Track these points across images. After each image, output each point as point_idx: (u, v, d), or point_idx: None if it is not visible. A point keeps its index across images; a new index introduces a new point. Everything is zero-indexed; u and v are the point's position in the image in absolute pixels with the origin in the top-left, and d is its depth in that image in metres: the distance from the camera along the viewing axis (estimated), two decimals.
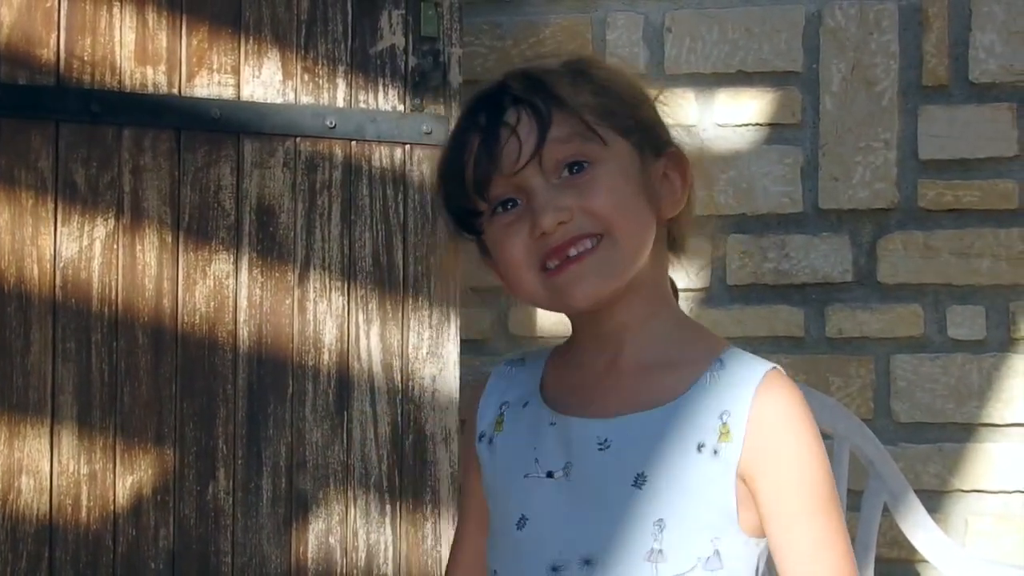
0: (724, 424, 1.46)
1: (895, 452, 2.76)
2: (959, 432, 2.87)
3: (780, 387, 1.47)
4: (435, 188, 1.60)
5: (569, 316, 1.54)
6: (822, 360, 2.91)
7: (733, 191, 2.95)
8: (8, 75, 2.42)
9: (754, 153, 2.95)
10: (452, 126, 1.58)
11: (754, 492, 1.45)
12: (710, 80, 2.97)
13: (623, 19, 2.99)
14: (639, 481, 1.45)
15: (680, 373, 1.49)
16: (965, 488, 2.87)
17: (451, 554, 1.65)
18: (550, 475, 1.49)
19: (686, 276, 1.63)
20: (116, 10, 2.49)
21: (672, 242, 1.57)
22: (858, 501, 2.59)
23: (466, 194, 1.50)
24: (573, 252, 1.46)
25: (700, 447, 1.45)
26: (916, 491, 2.63)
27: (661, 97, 1.56)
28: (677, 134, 1.57)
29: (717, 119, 2.97)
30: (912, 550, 2.62)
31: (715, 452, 1.45)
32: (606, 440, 1.48)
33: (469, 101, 1.55)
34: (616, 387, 1.50)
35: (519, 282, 1.49)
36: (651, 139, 1.52)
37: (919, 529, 2.59)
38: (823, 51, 2.93)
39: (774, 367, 1.49)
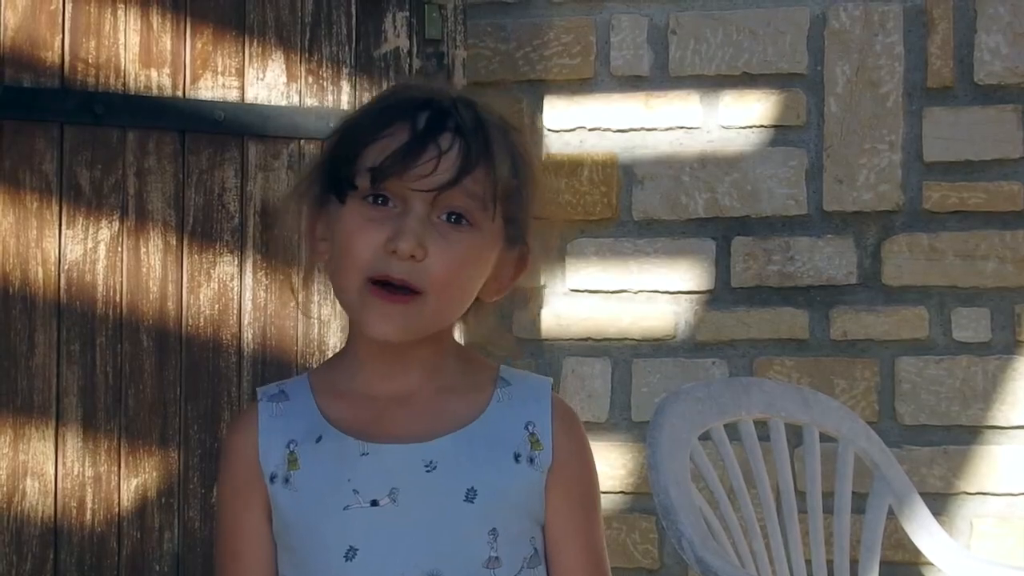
0: (532, 434, 1.55)
1: (900, 454, 2.75)
2: (964, 434, 2.86)
3: (564, 402, 1.59)
4: (332, 142, 1.56)
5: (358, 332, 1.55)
6: (826, 362, 2.91)
7: (737, 193, 2.96)
8: (12, 77, 2.44)
9: (758, 155, 2.95)
10: (380, 93, 1.57)
11: (549, 497, 1.55)
12: (714, 82, 2.97)
13: (627, 21, 2.99)
14: (471, 495, 1.50)
15: (474, 394, 1.55)
16: (970, 490, 2.86)
17: None
18: (375, 503, 1.51)
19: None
20: (120, 12, 2.50)
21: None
22: (862, 503, 2.56)
23: (359, 169, 1.49)
24: (399, 284, 1.48)
25: (517, 457, 1.53)
26: (921, 493, 2.60)
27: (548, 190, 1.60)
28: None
29: (721, 121, 2.97)
30: (917, 552, 2.58)
31: (531, 460, 1.53)
32: (431, 462, 1.51)
33: (413, 91, 1.55)
34: (419, 412, 1.53)
35: (344, 274, 1.50)
36: (517, 234, 1.55)
37: (924, 531, 2.55)
38: (828, 53, 2.93)
39: (550, 380, 1.59)
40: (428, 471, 1.51)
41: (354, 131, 1.53)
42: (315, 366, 2.54)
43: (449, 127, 1.49)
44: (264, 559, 1.57)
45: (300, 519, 1.53)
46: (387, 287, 1.48)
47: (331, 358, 1.65)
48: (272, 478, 1.54)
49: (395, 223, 1.48)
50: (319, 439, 1.54)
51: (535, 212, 1.56)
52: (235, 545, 1.59)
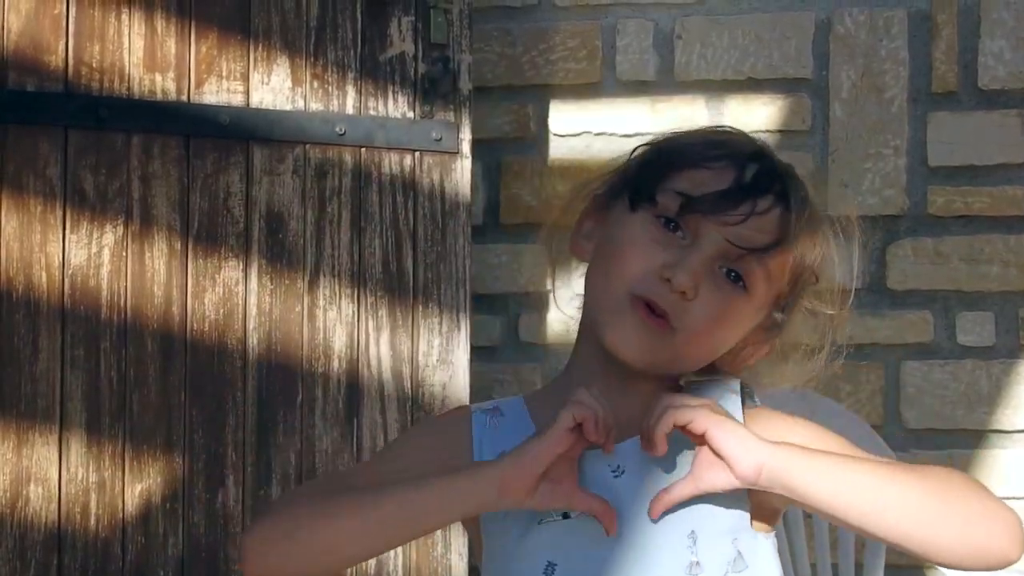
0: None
1: (904, 459, 2.64)
2: (968, 438, 2.84)
3: (757, 404, 1.53)
4: (647, 151, 1.53)
5: (594, 344, 1.50)
6: (831, 366, 2.88)
7: None
8: (16, 81, 2.42)
9: None
10: (708, 128, 1.57)
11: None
12: (720, 87, 2.95)
13: (633, 26, 2.97)
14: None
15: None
16: None
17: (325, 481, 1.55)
18: (566, 516, 1.45)
19: None
20: (125, 17, 2.48)
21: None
22: None
23: (667, 188, 1.45)
24: (658, 310, 1.45)
25: None
26: None
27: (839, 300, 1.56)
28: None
29: (727, 125, 2.93)
30: (922, 557, 2.59)
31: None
32: (618, 466, 1.45)
33: (744, 139, 1.52)
34: (635, 428, 1.46)
35: (611, 281, 1.46)
36: (779, 323, 1.52)
37: None
38: (833, 58, 2.91)
39: (738, 380, 1.53)
40: (616, 476, 1.45)
41: (677, 150, 1.49)
42: (324, 371, 2.55)
43: (775, 190, 1.46)
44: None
45: (493, 525, 1.48)
46: (648, 306, 1.44)
47: (547, 385, 1.63)
48: None
49: (678, 253, 1.44)
50: None
51: (801, 306, 1.53)
52: (391, 465, 1.51)
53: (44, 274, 2.42)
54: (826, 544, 2.43)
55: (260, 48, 2.54)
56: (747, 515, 1.47)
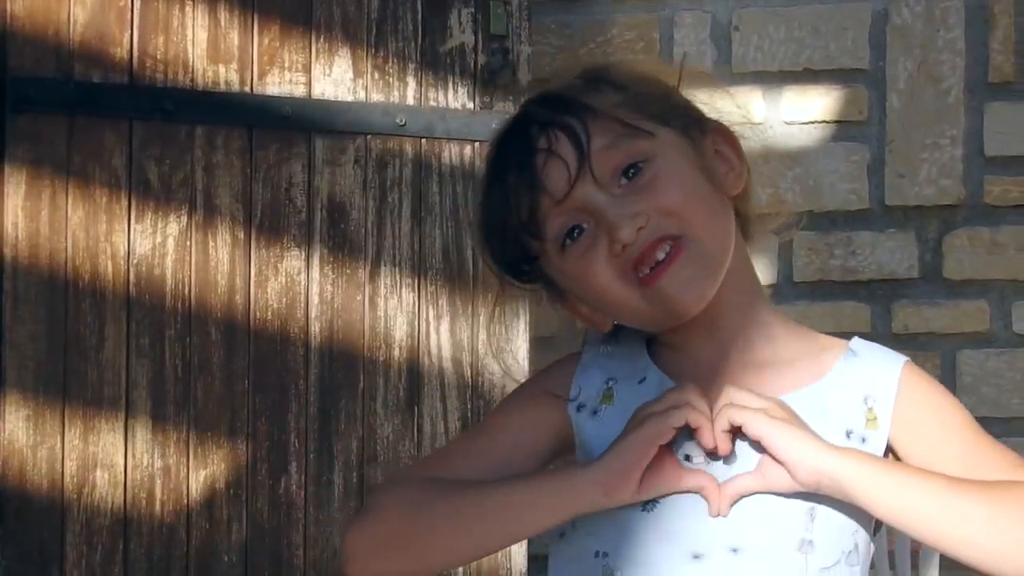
0: (870, 410, 1.38)
1: None
2: None
3: (920, 374, 1.42)
4: (479, 245, 1.44)
5: (676, 323, 1.40)
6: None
7: (800, 188, 2.90)
8: (82, 73, 2.42)
9: (821, 150, 2.90)
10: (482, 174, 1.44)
11: (909, 456, 1.38)
12: (777, 78, 2.92)
13: (690, 17, 2.94)
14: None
15: (816, 359, 1.40)
16: None
17: (449, 458, 1.46)
18: (688, 459, 1.34)
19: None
20: (188, 9, 2.48)
21: (741, 227, 1.45)
22: None
23: (516, 240, 1.37)
24: (661, 255, 1.34)
25: (848, 434, 1.37)
26: None
27: (682, 81, 1.43)
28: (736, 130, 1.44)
29: (784, 117, 2.92)
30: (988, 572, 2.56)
31: (863, 440, 1.37)
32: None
33: (492, 143, 1.42)
34: (740, 376, 1.37)
35: (617, 303, 1.36)
36: (691, 120, 1.40)
37: None
38: (889, 48, 2.88)
39: (908, 359, 1.43)
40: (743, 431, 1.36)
41: (487, 223, 1.40)
42: (385, 359, 2.52)
43: (533, 132, 1.36)
44: (501, 458, 1.41)
45: (595, 452, 1.38)
46: (655, 266, 1.34)
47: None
48: (580, 407, 1.40)
49: (600, 231, 1.34)
50: (642, 380, 1.40)
51: (679, 97, 1.40)
52: (493, 432, 1.44)
53: (110, 263, 2.41)
54: (883, 532, 2.39)
55: (322, 40, 2.52)
56: (873, 520, 1.38)
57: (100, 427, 2.38)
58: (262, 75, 2.48)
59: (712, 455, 1.34)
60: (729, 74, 2.90)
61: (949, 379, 2.81)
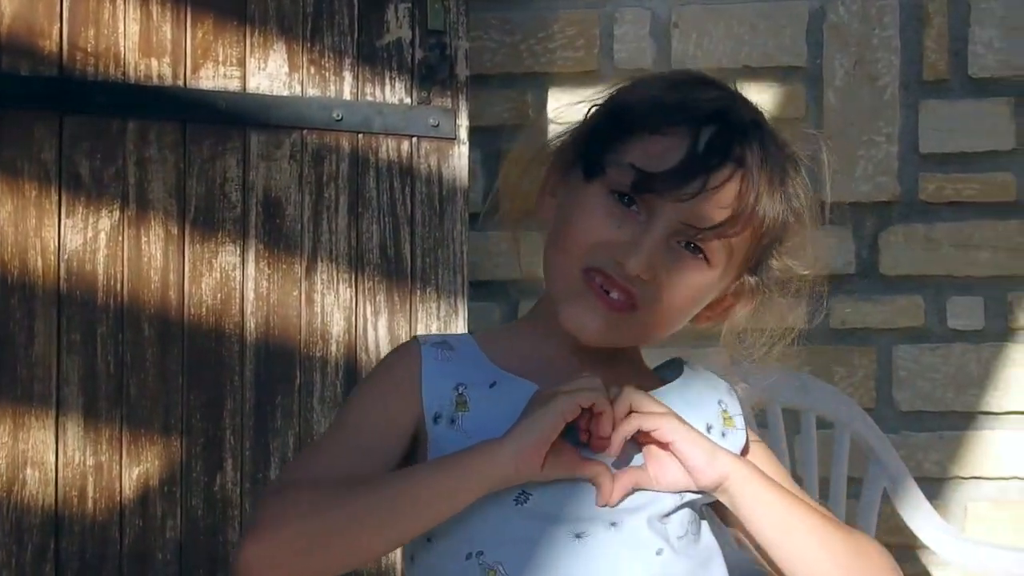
0: (724, 411, 1.43)
1: (896, 440, 2.74)
2: (959, 420, 2.80)
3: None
4: (601, 114, 1.38)
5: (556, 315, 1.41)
6: (826, 350, 2.85)
7: None
8: (10, 65, 2.36)
9: None
10: (669, 74, 1.41)
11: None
12: (716, 75, 2.82)
13: (631, 14, 2.92)
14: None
15: (649, 375, 1.45)
16: (964, 475, 2.81)
17: (323, 459, 1.40)
18: (519, 501, 1.34)
19: None
20: (119, 1, 2.42)
21: None
22: (858, 488, 2.58)
23: (619, 160, 1.32)
24: (614, 295, 1.34)
25: (709, 428, 1.41)
26: (917, 479, 2.60)
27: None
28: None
29: None
30: (912, 536, 2.59)
31: (723, 435, 1.42)
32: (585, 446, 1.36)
33: (705, 92, 1.36)
34: (605, 377, 1.37)
35: (564, 253, 1.35)
36: (751, 284, 1.41)
37: (918, 515, 2.56)
38: (826, 46, 2.87)
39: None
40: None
41: (627, 114, 1.34)
42: (322, 355, 2.46)
43: (733, 156, 1.32)
44: (385, 454, 1.38)
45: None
46: (602, 288, 1.34)
47: (499, 328, 1.50)
48: (436, 418, 1.38)
49: (633, 231, 1.32)
50: (493, 384, 1.38)
51: (784, 258, 1.40)
52: (360, 438, 1.39)
53: (40, 259, 2.35)
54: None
55: (256, 34, 2.47)
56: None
57: (30, 424, 2.32)
58: (196, 69, 2.43)
59: (596, 448, 1.34)
60: (668, 71, 2.85)
61: (885, 374, 2.82)
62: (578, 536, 1.34)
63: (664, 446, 1.34)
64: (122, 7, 2.39)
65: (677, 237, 1.33)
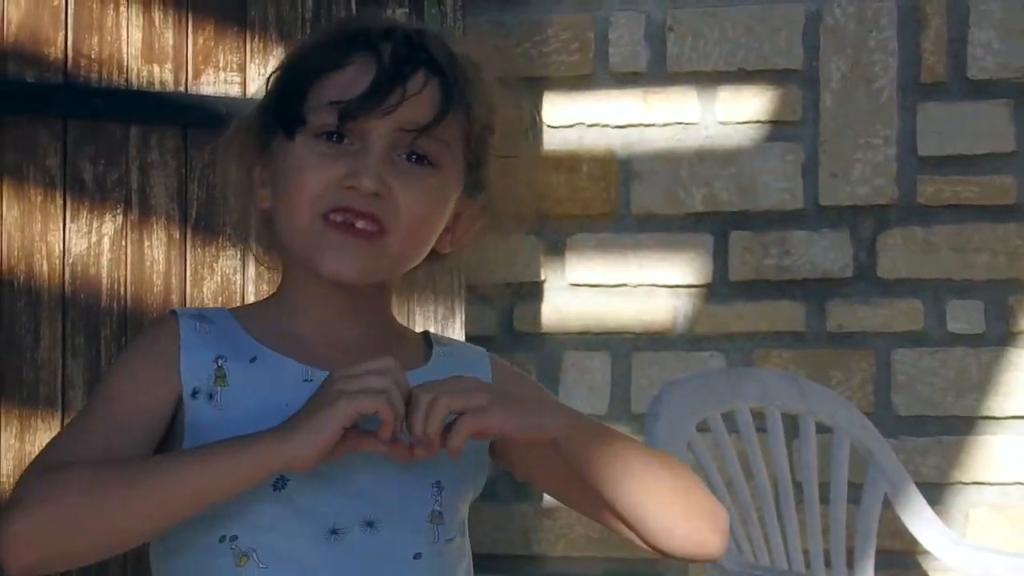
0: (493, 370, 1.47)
1: (895, 445, 2.73)
2: (958, 425, 2.85)
3: (502, 362, 1.50)
4: (278, 75, 1.43)
5: (310, 271, 1.41)
6: (823, 355, 2.90)
7: (734, 188, 2.94)
8: (16, 72, 2.44)
9: (755, 150, 2.94)
10: (329, 24, 1.48)
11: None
12: (712, 78, 2.96)
13: (625, 18, 2.98)
14: (416, 443, 1.36)
15: (413, 347, 1.46)
16: (965, 480, 2.85)
17: (83, 440, 1.38)
18: (277, 486, 1.36)
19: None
20: (123, 8, 2.50)
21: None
22: (858, 493, 2.58)
23: (315, 104, 1.37)
24: (360, 224, 1.37)
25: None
26: (916, 484, 2.62)
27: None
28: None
29: (719, 117, 2.96)
30: (913, 541, 2.61)
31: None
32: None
33: (370, 19, 1.45)
34: (363, 353, 1.38)
35: (293, 212, 1.38)
36: (479, 180, 1.45)
37: (919, 520, 2.58)
38: (823, 49, 2.91)
39: (484, 350, 1.50)
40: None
41: (307, 62, 1.40)
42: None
43: (422, 60, 1.38)
44: (136, 439, 1.37)
45: (216, 437, 1.36)
46: (347, 224, 1.37)
47: (252, 304, 1.52)
48: (195, 393, 1.39)
49: (353, 160, 1.37)
50: (253, 359, 1.40)
51: (491, 147, 1.45)
52: (114, 408, 1.39)
53: (45, 263, 2.44)
54: (818, 530, 2.45)
55: (256, 39, 2.56)
56: (482, 485, 1.46)
57: (36, 426, 2.40)
58: (197, 75, 2.52)
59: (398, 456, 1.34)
60: (664, 74, 2.94)
61: (884, 378, 2.85)
62: (333, 533, 1.36)
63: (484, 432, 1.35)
64: (125, 14, 2.48)
65: (397, 150, 1.37)
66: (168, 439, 1.40)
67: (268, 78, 1.45)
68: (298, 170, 1.38)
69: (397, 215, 1.37)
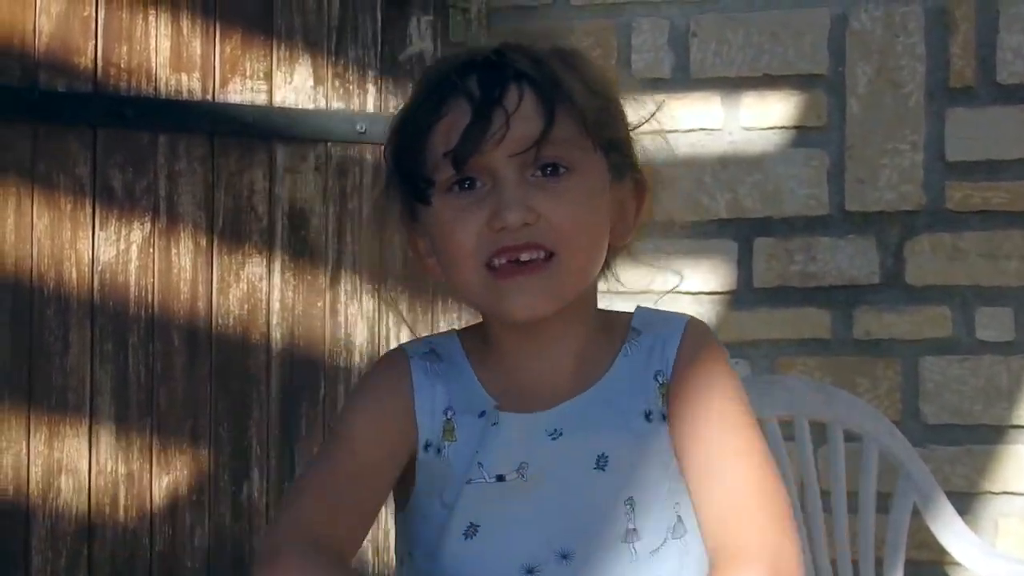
0: (662, 385, 1.45)
1: (923, 454, 2.72)
2: (988, 433, 2.87)
3: (701, 328, 1.49)
4: (391, 147, 1.45)
5: (499, 321, 1.45)
6: (849, 362, 2.90)
7: (759, 194, 2.95)
8: (47, 82, 2.50)
9: (780, 156, 2.95)
10: (418, 82, 1.49)
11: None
12: (736, 84, 2.96)
13: (648, 24, 2.99)
14: (601, 463, 1.40)
15: (603, 352, 1.47)
16: (995, 490, 2.87)
17: (326, 489, 1.42)
18: (501, 479, 1.42)
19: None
20: (152, 18, 2.55)
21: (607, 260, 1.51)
22: (887, 503, 2.57)
23: (431, 162, 1.40)
24: (524, 257, 1.40)
25: (648, 415, 1.44)
26: (945, 493, 2.60)
27: (632, 102, 1.48)
28: (647, 144, 1.49)
29: (743, 122, 2.96)
30: (942, 551, 2.60)
31: (663, 417, 1.44)
32: (556, 429, 1.42)
33: (448, 61, 1.45)
34: (545, 381, 1.44)
35: (459, 272, 1.41)
36: (623, 159, 1.45)
37: (949, 530, 2.58)
38: (849, 54, 2.92)
39: (691, 317, 1.50)
40: (553, 439, 1.41)
41: (410, 127, 1.43)
42: (345, 365, 2.60)
43: (508, 76, 1.39)
44: (385, 476, 1.43)
45: (430, 488, 1.43)
46: (514, 263, 1.38)
47: (479, 327, 1.51)
48: (427, 446, 1.44)
49: (491, 200, 1.39)
50: (481, 414, 1.44)
51: (627, 128, 1.46)
52: (357, 459, 1.43)
53: (74, 270, 2.48)
54: (846, 540, 2.48)
55: (283, 48, 2.61)
56: (684, 482, 1.44)
57: (65, 433, 2.44)
58: (224, 83, 2.56)
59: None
60: (688, 80, 2.95)
61: (911, 386, 2.87)
62: (529, 573, 1.41)
63: None
64: (154, 24, 2.53)
65: (527, 171, 1.38)
66: (401, 479, 1.45)
67: (383, 155, 1.48)
68: (447, 231, 1.40)
69: (555, 232, 1.38)
